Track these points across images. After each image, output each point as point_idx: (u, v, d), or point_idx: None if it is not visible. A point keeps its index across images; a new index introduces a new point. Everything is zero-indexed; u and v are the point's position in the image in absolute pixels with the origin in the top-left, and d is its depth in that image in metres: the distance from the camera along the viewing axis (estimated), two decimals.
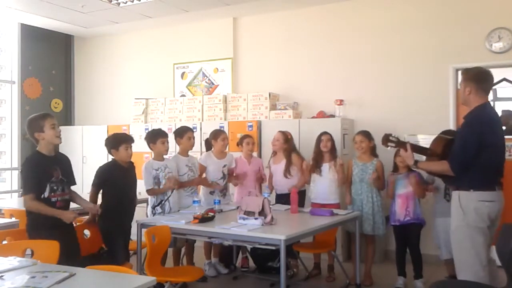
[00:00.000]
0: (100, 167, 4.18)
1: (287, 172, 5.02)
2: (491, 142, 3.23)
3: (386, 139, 3.59)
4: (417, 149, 3.53)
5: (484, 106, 3.32)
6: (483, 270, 3.20)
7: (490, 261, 3.44)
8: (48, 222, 3.39)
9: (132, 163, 4.27)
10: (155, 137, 4.62)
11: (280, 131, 5.19)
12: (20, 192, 7.37)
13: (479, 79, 3.35)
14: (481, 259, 3.21)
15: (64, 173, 3.59)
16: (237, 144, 5.35)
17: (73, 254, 3.39)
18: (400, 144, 3.55)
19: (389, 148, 3.60)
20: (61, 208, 3.52)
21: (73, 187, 3.75)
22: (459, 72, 5.61)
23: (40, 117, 3.50)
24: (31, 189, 3.40)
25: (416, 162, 3.50)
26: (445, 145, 3.44)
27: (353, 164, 4.83)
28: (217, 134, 5.11)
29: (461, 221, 3.29)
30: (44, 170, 3.46)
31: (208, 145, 5.23)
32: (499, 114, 3.61)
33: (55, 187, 3.49)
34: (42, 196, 3.43)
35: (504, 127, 3.45)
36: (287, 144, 5.12)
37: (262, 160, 5.57)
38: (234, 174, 5.17)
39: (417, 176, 4.53)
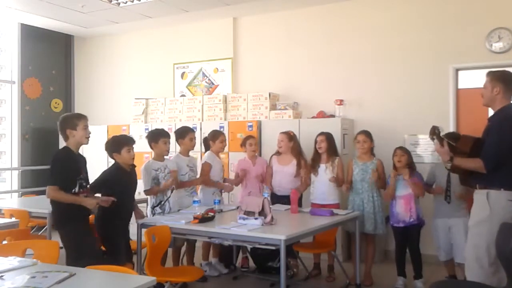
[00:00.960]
0: (103, 172, 4.16)
1: (298, 174, 4.97)
2: None
3: (433, 131, 3.60)
4: (449, 146, 3.54)
5: (510, 107, 3.39)
6: (490, 267, 3.27)
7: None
8: (73, 214, 3.59)
9: (134, 166, 4.23)
10: (158, 136, 4.60)
11: (281, 132, 5.15)
12: (21, 193, 7.39)
13: (508, 80, 3.40)
14: (491, 256, 3.26)
15: (85, 172, 3.82)
16: (241, 146, 5.31)
17: (94, 247, 3.71)
18: (439, 139, 3.57)
19: (434, 140, 3.60)
20: None
21: None
22: (459, 72, 5.64)
23: (76, 116, 3.82)
24: (56, 181, 3.59)
25: (451, 158, 3.50)
26: (473, 145, 3.49)
27: (353, 164, 4.83)
28: (216, 135, 5.11)
29: (485, 217, 3.31)
30: (74, 166, 3.68)
31: (207, 144, 5.22)
32: None
33: (84, 183, 3.73)
34: (73, 191, 3.62)
35: None
36: (293, 143, 5.08)
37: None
38: (235, 174, 5.18)
39: (417, 178, 4.52)
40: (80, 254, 3.45)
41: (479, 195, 3.40)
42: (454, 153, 3.53)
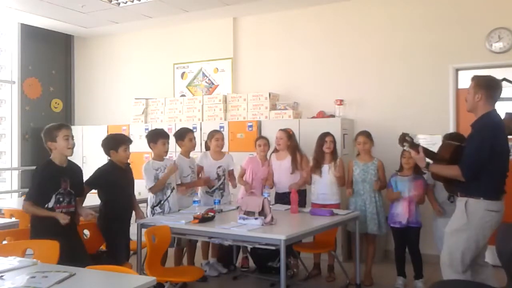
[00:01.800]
0: (98, 168, 4.16)
1: (295, 168, 5.00)
2: (500, 150, 3.28)
3: (403, 138, 3.60)
4: (427, 152, 3.52)
5: (493, 114, 3.35)
6: (463, 273, 3.30)
7: (484, 263, 3.51)
8: (52, 229, 3.37)
9: (129, 164, 4.27)
10: (157, 137, 4.60)
11: (281, 130, 5.17)
12: (20, 193, 7.38)
13: (490, 86, 3.35)
14: (464, 264, 3.29)
15: (73, 185, 3.60)
16: (255, 146, 5.31)
17: (79, 257, 3.36)
18: (413, 146, 3.55)
19: (405, 148, 3.60)
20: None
21: None
22: (459, 72, 5.64)
23: (55, 127, 3.55)
24: (31, 197, 3.48)
25: (427, 164, 3.50)
26: (453, 151, 3.47)
27: (354, 165, 4.83)
28: (211, 134, 5.13)
29: (462, 225, 3.31)
30: (53, 180, 3.48)
31: (207, 146, 5.22)
32: (503, 116, 3.63)
33: (61, 199, 3.51)
34: (46, 206, 3.44)
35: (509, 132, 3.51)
36: (291, 141, 5.10)
37: None
38: (243, 177, 5.17)
39: (423, 182, 4.52)
40: None
41: (459, 203, 3.39)
42: (434, 159, 3.51)
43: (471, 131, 3.40)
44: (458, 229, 3.33)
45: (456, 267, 3.31)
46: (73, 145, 3.59)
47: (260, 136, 5.39)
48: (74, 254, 3.30)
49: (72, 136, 3.60)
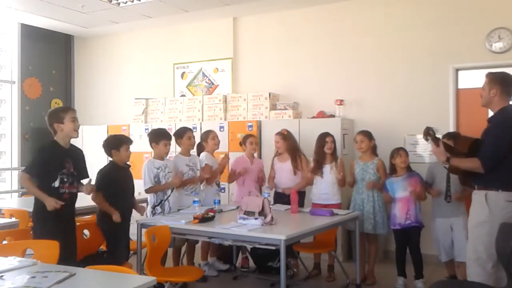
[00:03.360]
0: (100, 170, 4.17)
1: (295, 169, 5.00)
2: None
3: (427, 132, 3.63)
4: (445, 147, 3.57)
5: (509, 109, 3.42)
6: (491, 268, 3.30)
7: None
8: (52, 213, 3.47)
9: (129, 165, 4.31)
10: (160, 137, 4.61)
11: (276, 134, 5.19)
12: (20, 193, 7.38)
13: (505, 82, 3.44)
14: (491, 258, 3.29)
15: (76, 166, 3.69)
16: (240, 144, 5.33)
17: (70, 254, 3.40)
18: (435, 139, 3.59)
19: (428, 141, 3.63)
20: (67, 200, 3.59)
21: None
22: (459, 72, 5.64)
23: (62, 109, 3.69)
24: (29, 171, 3.55)
25: (448, 158, 3.51)
26: (471, 145, 3.52)
27: (355, 164, 4.83)
28: (206, 134, 5.13)
29: (485, 217, 3.33)
30: (57, 160, 3.57)
31: (201, 148, 5.21)
32: None
33: (65, 179, 3.59)
34: (52, 185, 3.53)
35: None
36: (288, 141, 5.11)
37: (262, 160, 5.57)
38: (237, 172, 5.17)
39: (417, 178, 4.52)
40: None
41: (478, 196, 3.41)
42: (452, 153, 3.55)
43: (488, 125, 3.47)
44: (481, 221, 3.35)
45: (482, 262, 3.30)
46: (78, 127, 3.71)
47: (249, 135, 5.40)
48: (66, 250, 3.26)
49: (77, 119, 3.70)
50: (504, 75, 3.48)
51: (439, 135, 3.82)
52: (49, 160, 3.55)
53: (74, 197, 3.71)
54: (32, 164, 3.60)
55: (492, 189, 3.33)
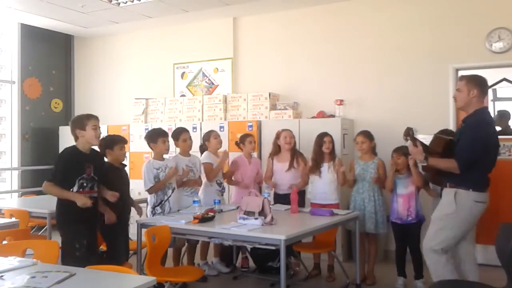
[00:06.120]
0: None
1: (291, 166, 5.01)
2: (491, 145, 3.48)
3: (407, 132, 3.72)
4: (422, 147, 3.67)
5: (486, 111, 3.56)
6: (446, 259, 3.54)
7: (471, 258, 3.70)
8: (75, 216, 3.59)
9: (125, 164, 4.36)
10: (156, 136, 4.62)
11: (287, 130, 5.17)
12: (20, 193, 7.39)
13: (482, 83, 3.56)
14: (445, 249, 3.53)
15: (96, 171, 3.77)
16: (238, 143, 5.31)
17: (91, 252, 3.63)
18: (413, 139, 3.70)
19: (408, 141, 3.73)
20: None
21: None
22: (459, 72, 5.63)
23: (85, 116, 3.79)
24: (54, 179, 3.63)
25: (426, 157, 3.62)
26: (445, 145, 3.63)
27: (355, 164, 4.83)
28: (208, 135, 5.14)
29: (451, 213, 3.50)
30: (77, 166, 3.66)
31: (204, 149, 5.20)
32: (494, 114, 3.84)
33: (84, 184, 3.69)
34: (71, 190, 3.61)
35: (499, 128, 3.67)
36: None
37: (261, 161, 5.57)
38: (232, 178, 5.18)
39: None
40: (72, 257, 3.45)
41: (447, 193, 3.57)
42: (427, 153, 3.65)
43: (463, 126, 3.58)
44: (445, 215, 3.54)
45: (438, 251, 3.52)
46: (100, 135, 3.82)
47: (248, 134, 5.40)
48: (89, 247, 3.59)
49: (100, 127, 3.81)
50: (480, 77, 3.60)
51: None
52: (70, 166, 3.65)
53: (95, 201, 3.76)
54: (54, 171, 3.67)
55: (463, 188, 3.47)
